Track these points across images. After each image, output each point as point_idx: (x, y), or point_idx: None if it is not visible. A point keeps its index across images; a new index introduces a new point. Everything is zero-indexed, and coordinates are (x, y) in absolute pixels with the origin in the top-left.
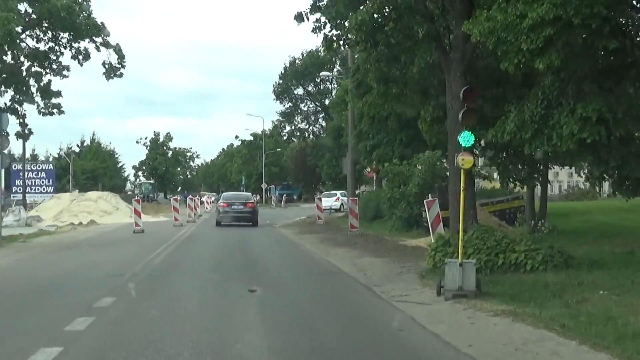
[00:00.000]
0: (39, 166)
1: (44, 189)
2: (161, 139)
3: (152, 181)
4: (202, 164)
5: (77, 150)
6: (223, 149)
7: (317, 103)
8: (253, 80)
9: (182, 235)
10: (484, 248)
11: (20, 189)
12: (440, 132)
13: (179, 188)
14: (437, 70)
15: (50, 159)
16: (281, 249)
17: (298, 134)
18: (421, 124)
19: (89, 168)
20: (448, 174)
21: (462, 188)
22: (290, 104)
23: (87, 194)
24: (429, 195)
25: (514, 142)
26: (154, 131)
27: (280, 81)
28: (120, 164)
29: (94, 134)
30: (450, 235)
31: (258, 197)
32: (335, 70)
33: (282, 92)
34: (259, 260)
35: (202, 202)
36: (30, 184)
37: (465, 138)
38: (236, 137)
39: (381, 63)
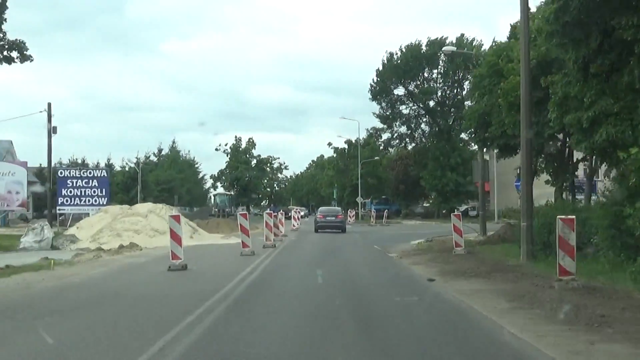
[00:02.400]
0: (90, 173)
1: (95, 201)
2: (243, 145)
3: (228, 192)
4: (291, 176)
5: (155, 160)
6: (313, 161)
7: (419, 104)
8: (345, 95)
9: (245, 277)
10: None
11: (67, 200)
12: None
13: (266, 201)
14: None
15: (102, 167)
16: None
17: (397, 140)
18: None
19: (164, 179)
20: None
21: None
22: (388, 105)
23: (136, 207)
24: None
25: None
26: (235, 136)
27: (377, 79)
28: (201, 175)
29: (173, 142)
30: None
31: (354, 213)
32: (440, 64)
33: (379, 92)
34: None
35: (288, 218)
36: (79, 194)
37: None
38: (329, 144)
39: None
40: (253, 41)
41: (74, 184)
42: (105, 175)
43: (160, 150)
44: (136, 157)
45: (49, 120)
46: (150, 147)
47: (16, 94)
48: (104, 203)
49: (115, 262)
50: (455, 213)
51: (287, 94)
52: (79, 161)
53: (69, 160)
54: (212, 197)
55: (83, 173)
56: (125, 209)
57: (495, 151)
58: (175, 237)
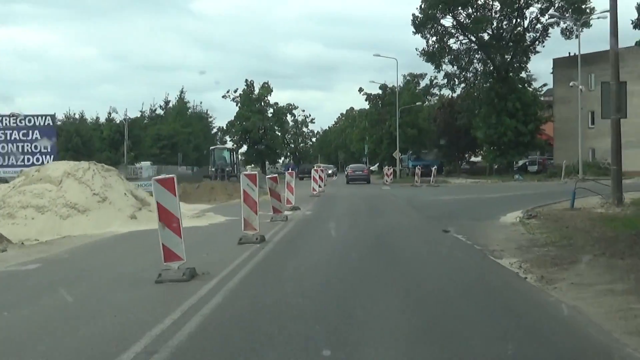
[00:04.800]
0: (30, 121)
1: (37, 159)
2: (256, 91)
3: (230, 147)
4: (318, 132)
5: (162, 113)
6: (342, 114)
7: (471, 37)
8: (378, 52)
9: None
10: None
11: None
12: None
13: (289, 158)
14: None
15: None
16: None
17: (446, 80)
18: None
19: (166, 133)
20: None
21: None
22: (435, 38)
23: (46, 167)
24: None
25: None
26: (247, 80)
27: (422, 5)
28: (214, 130)
29: (182, 91)
30: None
31: (392, 171)
32: None
33: (424, 22)
34: None
35: (307, 178)
36: (15, 149)
37: None
38: (360, 90)
39: None
40: None
41: (8, 137)
42: (50, 124)
43: (167, 103)
44: (140, 111)
45: None
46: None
47: (46, 55)
48: (50, 161)
49: None
50: None
51: (318, 50)
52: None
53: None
54: (211, 153)
55: (20, 122)
56: (32, 172)
57: None
58: None
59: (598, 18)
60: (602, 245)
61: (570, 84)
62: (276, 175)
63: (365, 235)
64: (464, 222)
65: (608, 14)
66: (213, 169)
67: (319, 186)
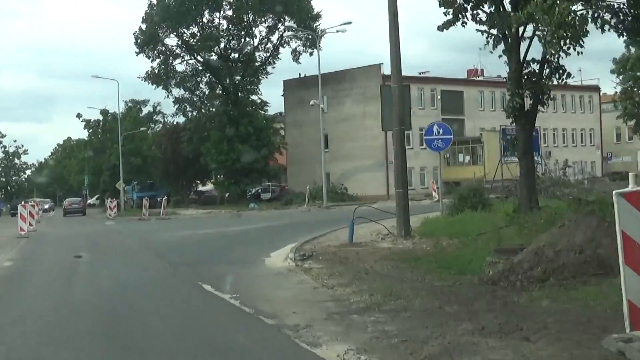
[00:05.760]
0: None
1: None
2: None
3: None
4: (33, 164)
5: None
6: (59, 145)
7: (199, 57)
8: (95, 82)
9: None
10: None
11: None
12: None
13: None
14: None
15: None
16: None
17: (177, 105)
18: None
19: None
20: None
21: None
22: (160, 59)
23: None
24: None
25: None
26: None
27: (145, 25)
28: None
29: None
30: None
31: (116, 203)
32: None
33: (147, 41)
34: None
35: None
36: None
37: None
38: (78, 115)
39: None
40: None
41: None
42: None
43: None
44: None
45: None
46: None
47: None
48: None
49: None
50: None
51: (32, 81)
52: None
53: None
54: None
55: None
56: None
57: None
58: None
59: (337, 32)
60: (458, 309)
61: (311, 102)
62: None
63: (84, 307)
64: (223, 269)
65: (346, 27)
66: None
67: (30, 224)
